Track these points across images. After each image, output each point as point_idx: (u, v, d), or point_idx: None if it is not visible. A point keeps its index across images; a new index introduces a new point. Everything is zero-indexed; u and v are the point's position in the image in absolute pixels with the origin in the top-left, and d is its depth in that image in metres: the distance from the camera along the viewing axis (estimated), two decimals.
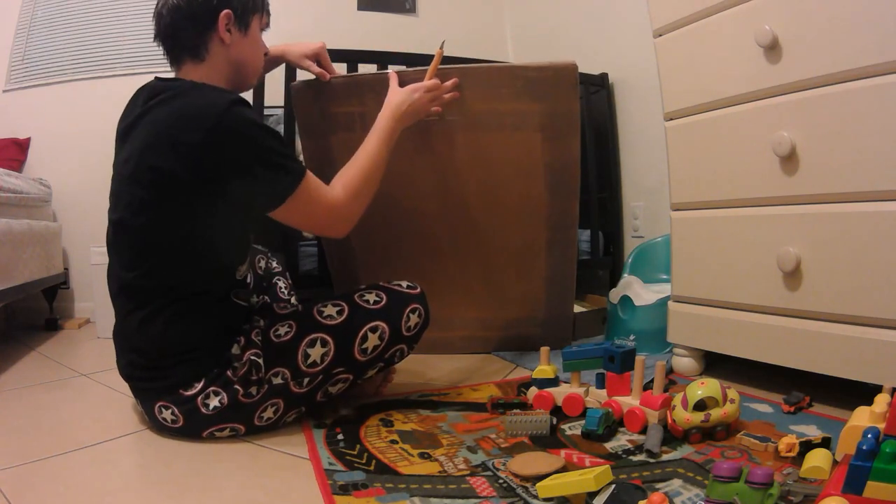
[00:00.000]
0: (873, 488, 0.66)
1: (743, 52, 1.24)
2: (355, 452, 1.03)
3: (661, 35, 1.42)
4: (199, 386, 1.08)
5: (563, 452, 1.00)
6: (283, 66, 1.58)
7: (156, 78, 1.14)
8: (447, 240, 1.67)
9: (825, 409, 1.16)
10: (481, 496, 0.85)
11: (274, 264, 1.61)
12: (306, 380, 1.13)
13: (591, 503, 0.80)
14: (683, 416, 1.02)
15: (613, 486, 0.82)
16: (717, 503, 0.74)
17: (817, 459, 0.80)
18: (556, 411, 1.20)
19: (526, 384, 1.38)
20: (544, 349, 1.26)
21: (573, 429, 1.12)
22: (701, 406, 1.02)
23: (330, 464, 0.98)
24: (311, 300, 1.22)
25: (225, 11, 1.12)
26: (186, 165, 1.02)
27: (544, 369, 1.23)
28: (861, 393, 1.07)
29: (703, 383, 1.05)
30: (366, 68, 1.97)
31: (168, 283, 1.08)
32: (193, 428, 1.10)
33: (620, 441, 1.05)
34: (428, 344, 1.39)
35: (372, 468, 0.96)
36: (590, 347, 1.20)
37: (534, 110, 1.50)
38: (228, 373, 1.09)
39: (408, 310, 1.21)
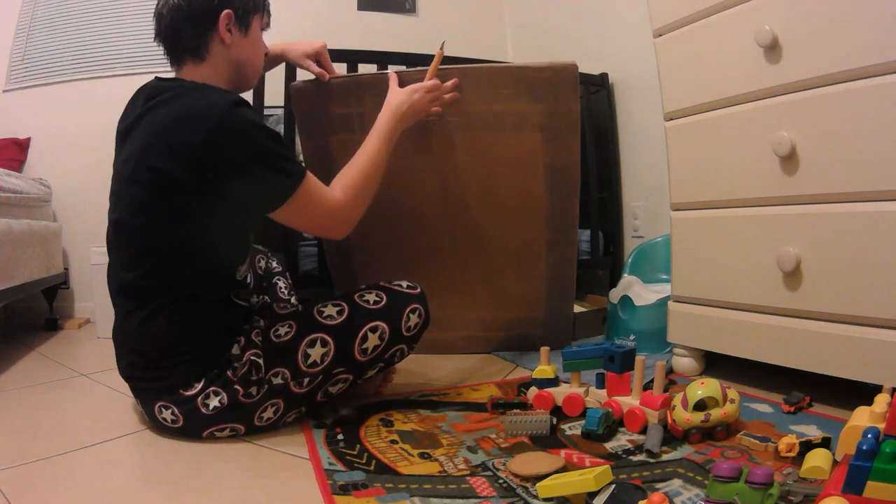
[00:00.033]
0: (873, 488, 0.66)
1: (743, 52, 1.24)
2: (355, 452, 1.03)
3: (661, 35, 1.42)
4: (199, 386, 1.08)
5: (563, 452, 1.00)
6: (283, 66, 1.58)
7: (156, 78, 1.14)
8: (447, 240, 1.67)
9: (825, 409, 1.16)
10: (481, 496, 0.85)
11: (274, 264, 1.61)
12: (306, 380, 1.13)
13: (591, 503, 0.80)
14: (683, 416, 1.02)
15: (613, 486, 0.82)
16: (717, 503, 0.74)
17: (817, 459, 0.80)
18: (556, 411, 1.20)
19: (526, 384, 1.38)
20: (544, 349, 1.26)
21: (573, 429, 1.12)
22: (701, 406, 1.02)
23: (330, 464, 0.98)
24: (311, 300, 1.22)
25: (225, 11, 1.12)
26: (187, 166, 1.02)
27: (544, 369, 1.23)
28: (861, 393, 1.06)
29: (703, 383, 1.05)
30: (366, 68, 1.97)
31: (168, 283, 1.08)
32: (193, 428, 1.10)
33: (620, 441, 1.05)
34: (428, 344, 1.39)
35: (372, 468, 0.96)
36: (590, 347, 1.20)
37: (534, 110, 1.49)
38: (228, 373, 1.09)
39: (408, 310, 1.21)
